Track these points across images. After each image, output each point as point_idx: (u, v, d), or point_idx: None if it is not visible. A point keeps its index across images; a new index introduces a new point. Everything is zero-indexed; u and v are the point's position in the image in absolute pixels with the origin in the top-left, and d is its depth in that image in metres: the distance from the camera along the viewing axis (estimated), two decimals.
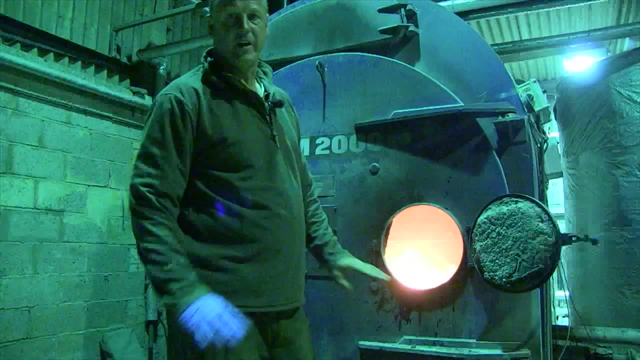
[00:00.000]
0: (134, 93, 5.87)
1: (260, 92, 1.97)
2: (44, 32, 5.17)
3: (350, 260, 2.11)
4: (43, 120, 4.91)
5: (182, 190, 1.78)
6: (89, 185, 5.32)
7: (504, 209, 2.48)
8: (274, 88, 2.03)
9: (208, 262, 1.75)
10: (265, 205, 1.81)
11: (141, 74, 6.18)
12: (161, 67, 6.21)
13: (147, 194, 1.69)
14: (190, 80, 1.86)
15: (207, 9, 1.98)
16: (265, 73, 2.05)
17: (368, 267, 2.13)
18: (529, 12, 5.83)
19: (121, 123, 5.72)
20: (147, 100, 5.97)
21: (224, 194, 1.78)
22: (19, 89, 4.69)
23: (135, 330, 5.67)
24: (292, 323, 1.92)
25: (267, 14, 1.95)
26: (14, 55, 4.58)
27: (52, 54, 5.13)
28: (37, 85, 4.85)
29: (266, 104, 1.93)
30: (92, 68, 5.55)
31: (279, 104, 2.00)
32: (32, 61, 4.75)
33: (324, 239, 2.15)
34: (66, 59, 5.27)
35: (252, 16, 1.84)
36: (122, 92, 5.71)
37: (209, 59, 1.91)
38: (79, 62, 5.42)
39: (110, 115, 5.59)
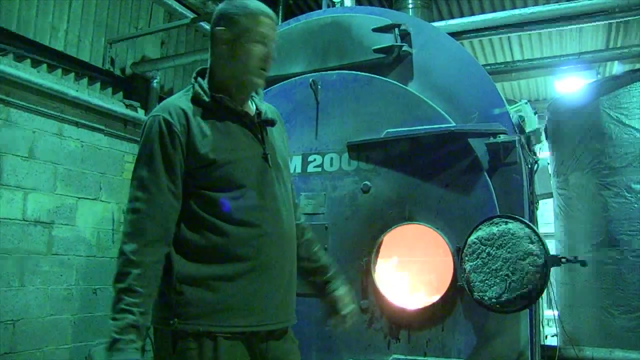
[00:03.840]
0: (127, 106, 5.85)
1: (252, 110, 1.97)
2: (38, 43, 5.17)
3: (341, 293, 2.11)
4: (34, 132, 4.88)
5: (176, 211, 1.76)
6: (79, 198, 5.28)
7: (494, 229, 2.49)
8: (265, 106, 2.03)
9: (198, 281, 1.73)
10: (256, 224, 1.80)
11: (135, 87, 6.18)
12: (155, 81, 6.22)
13: (134, 222, 1.70)
14: (179, 100, 1.85)
15: (217, 20, 1.92)
16: (256, 91, 2.05)
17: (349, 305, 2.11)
18: (521, 33, 5.92)
19: (113, 136, 5.70)
20: (140, 114, 5.96)
21: (215, 214, 1.77)
22: (11, 99, 4.67)
23: None
24: (281, 344, 1.90)
25: None
26: (6, 66, 4.56)
27: (45, 65, 5.11)
28: (29, 96, 4.83)
29: (257, 122, 1.93)
30: (86, 80, 5.54)
31: (271, 122, 2.00)
32: (24, 72, 4.73)
33: (323, 261, 2.16)
34: (59, 71, 5.26)
35: (274, 42, 1.90)
36: (115, 104, 5.69)
37: (199, 79, 1.91)
38: (72, 74, 5.40)
39: (103, 127, 5.57)
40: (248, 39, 1.86)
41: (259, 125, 1.93)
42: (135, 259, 1.65)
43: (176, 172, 1.75)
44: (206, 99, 1.84)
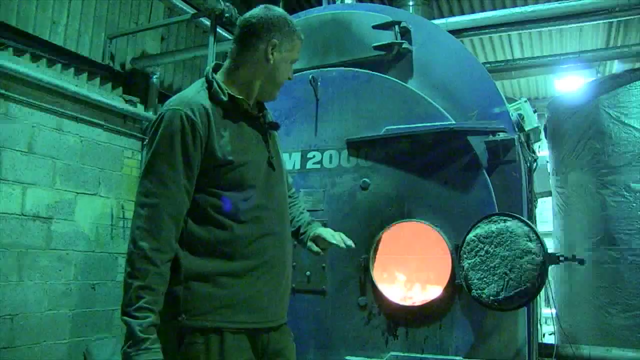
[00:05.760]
0: (127, 101, 5.86)
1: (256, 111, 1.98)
2: (37, 38, 5.16)
3: (319, 231, 2.21)
4: (33, 126, 4.88)
5: (186, 209, 1.76)
6: (78, 193, 5.29)
7: (493, 227, 2.49)
8: (266, 109, 2.06)
9: (204, 277, 1.74)
10: (262, 224, 1.83)
11: (134, 82, 6.18)
12: (154, 76, 6.22)
13: (152, 218, 1.67)
14: (199, 97, 1.82)
15: (268, 27, 1.90)
16: None
17: (333, 236, 2.19)
18: (521, 31, 5.92)
19: (112, 131, 5.70)
20: (140, 109, 5.97)
21: (224, 212, 1.78)
22: (10, 93, 4.67)
23: (121, 340, 5.61)
24: (280, 336, 1.93)
25: None
26: (6, 60, 4.56)
27: (44, 59, 5.12)
28: (28, 91, 4.83)
29: (265, 125, 1.96)
30: (85, 75, 5.54)
31: (275, 126, 2.02)
32: (24, 66, 4.73)
33: (300, 221, 2.26)
34: (59, 66, 5.25)
35: None
36: (115, 100, 5.70)
37: (215, 76, 1.90)
38: (72, 69, 5.41)
39: (102, 123, 5.57)
40: (289, 58, 1.95)
41: (266, 128, 1.96)
42: (154, 257, 1.64)
43: (193, 171, 1.75)
44: (224, 98, 1.83)
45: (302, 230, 2.23)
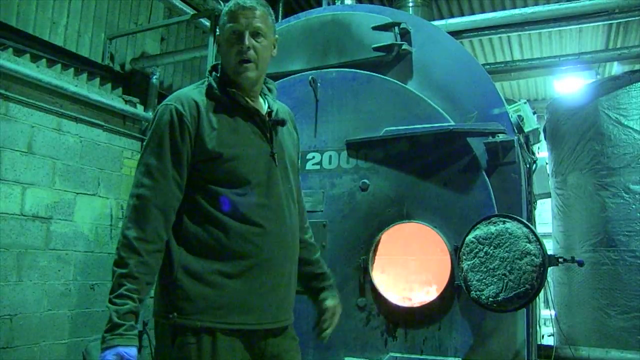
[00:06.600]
0: (126, 102, 5.85)
1: (264, 108, 1.97)
2: (37, 38, 5.15)
3: (334, 302, 2.12)
4: (33, 126, 4.87)
5: (178, 202, 1.77)
6: (77, 193, 5.28)
7: (492, 228, 2.50)
8: (278, 105, 2.03)
9: (199, 276, 1.74)
10: (258, 222, 1.81)
11: (134, 83, 6.18)
12: (154, 77, 6.21)
13: (138, 208, 1.71)
14: (193, 92, 1.86)
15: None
16: (270, 90, 2.06)
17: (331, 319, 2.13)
18: (521, 33, 5.92)
19: (112, 131, 5.69)
20: (139, 109, 5.96)
21: (219, 208, 1.78)
22: (10, 94, 4.66)
23: None
24: (281, 340, 1.90)
25: (274, 35, 1.97)
26: (6, 60, 4.55)
27: (44, 60, 5.11)
28: (28, 91, 4.82)
29: (267, 121, 1.93)
30: (85, 75, 5.53)
31: (282, 122, 2.00)
32: (24, 67, 4.73)
33: (323, 269, 2.18)
34: (59, 66, 5.25)
35: (255, 34, 1.86)
36: (114, 100, 5.69)
37: (213, 73, 1.93)
38: (72, 69, 5.40)
39: (102, 123, 5.56)
40: (223, 37, 1.90)
41: (269, 124, 1.93)
42: (138, 246, 1.66)
43: (182, 163, 1.77)
44: (218, 92, 1.86)
45: (322, 287, 2.14)
